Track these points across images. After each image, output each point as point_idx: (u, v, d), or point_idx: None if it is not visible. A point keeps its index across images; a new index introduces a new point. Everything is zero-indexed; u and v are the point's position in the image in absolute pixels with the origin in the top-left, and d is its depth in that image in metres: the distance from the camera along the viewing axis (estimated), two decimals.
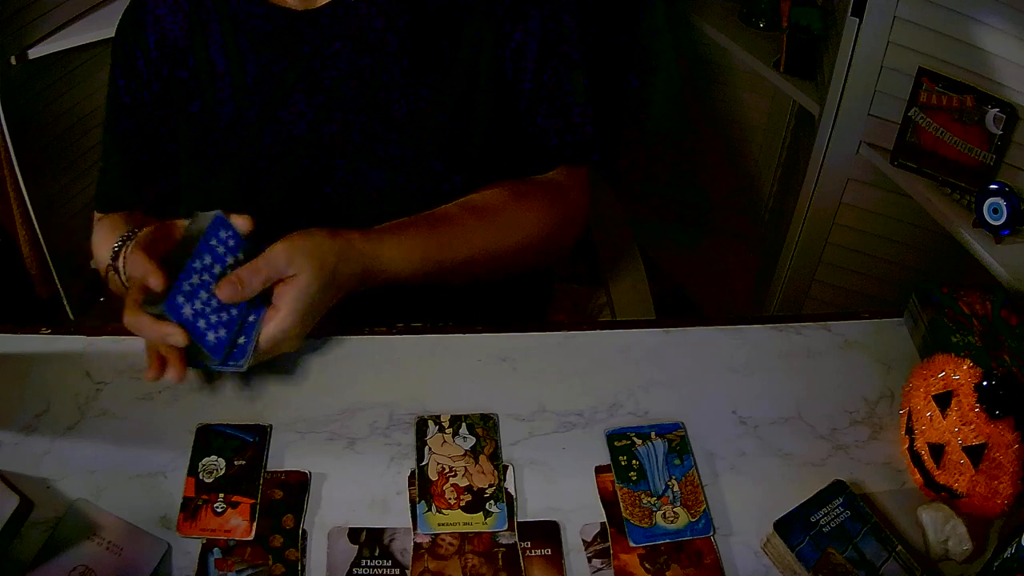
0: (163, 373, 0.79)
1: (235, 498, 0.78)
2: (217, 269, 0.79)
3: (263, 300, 0.82)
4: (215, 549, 0.75)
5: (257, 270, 0.80)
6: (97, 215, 1.06)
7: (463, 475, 0.80)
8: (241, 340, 0.81)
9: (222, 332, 0.79)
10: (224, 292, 0.79)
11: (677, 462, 0.82)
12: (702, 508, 0.79)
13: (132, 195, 1.03)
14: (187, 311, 0.77)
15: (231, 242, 0.81)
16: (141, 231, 0.86)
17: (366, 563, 0.75)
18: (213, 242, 0.80)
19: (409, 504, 0.79)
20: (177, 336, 0.76)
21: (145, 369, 0.80)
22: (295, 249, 0.81)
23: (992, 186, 1.31)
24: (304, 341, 0.86)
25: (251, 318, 0.81)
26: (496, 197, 0.97)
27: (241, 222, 0.82)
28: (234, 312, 0.80)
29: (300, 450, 0.83)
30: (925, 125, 1.42)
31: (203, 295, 0.78)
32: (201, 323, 0.77)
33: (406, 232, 0.90)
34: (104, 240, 0.97)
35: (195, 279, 0.78)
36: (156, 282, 0.76)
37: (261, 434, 0.83)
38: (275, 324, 0.81)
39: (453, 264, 0.92)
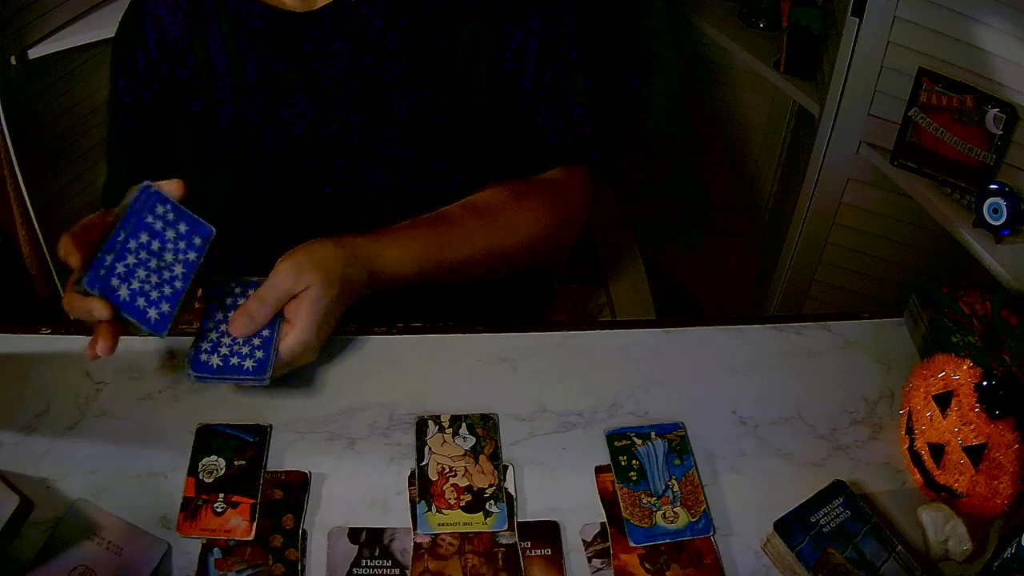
0: (96, 352, 0.77)
1: (235, 498, 0.78)
2: (156, 245, 0.78)
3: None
4: (215, 549, 0.75)
5: (263, 300, 0.81)
6: (89, 217, 1.05)
7: (463, 475, 0.80)
8: (260, 354, 0.81)
9: (165, 307, 0.78)
10: (236, 328, 0.80)
11: (677, 462, 0.82)
12: (702, 508, 0.79)
13: None
14: (123, 292, 0.76)
15: (170, 216, 0.79)
16: (87, 216, 0.84)
17: (366, 563, 0.75)
18: (149, 219, 0.78)
19: (409, 504, 0.79)
20: (100, 310, 0.74)
21: (145, 370, 0.80)
22: (301, 264, 0.82)
23: (992, 186, 1.31)
24: (321, 352, 0.86)
25: (266, 332, 0.82)
26: (496, 197, 0.97)
27: (172, 187, 0.80)
28: (179, 285, 0.79)
29: (300, 450, 0.83)
30: (925, 125, 1.42)
31: (140, 273, 0.77)
32: (140, 301, 0.76)
33: (407, 234, 0.90)
34: None
35: (130, 259, 0.76)
36: (74, 260, 0.75)
37: (261, 434, 0.83)
38: (293, 338, 0.81)
39: (454, 264, 0.93)
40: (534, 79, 0.97)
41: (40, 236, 1.79)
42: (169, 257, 0.79)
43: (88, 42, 1.68)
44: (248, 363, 0.80)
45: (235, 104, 0.96)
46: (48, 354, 0.91)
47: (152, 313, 0.77)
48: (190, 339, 0.83)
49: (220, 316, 0.83)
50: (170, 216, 0.79)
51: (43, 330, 0.93)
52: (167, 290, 0.78)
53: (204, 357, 0.81)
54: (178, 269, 0.79)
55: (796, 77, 1.74)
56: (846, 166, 1.63)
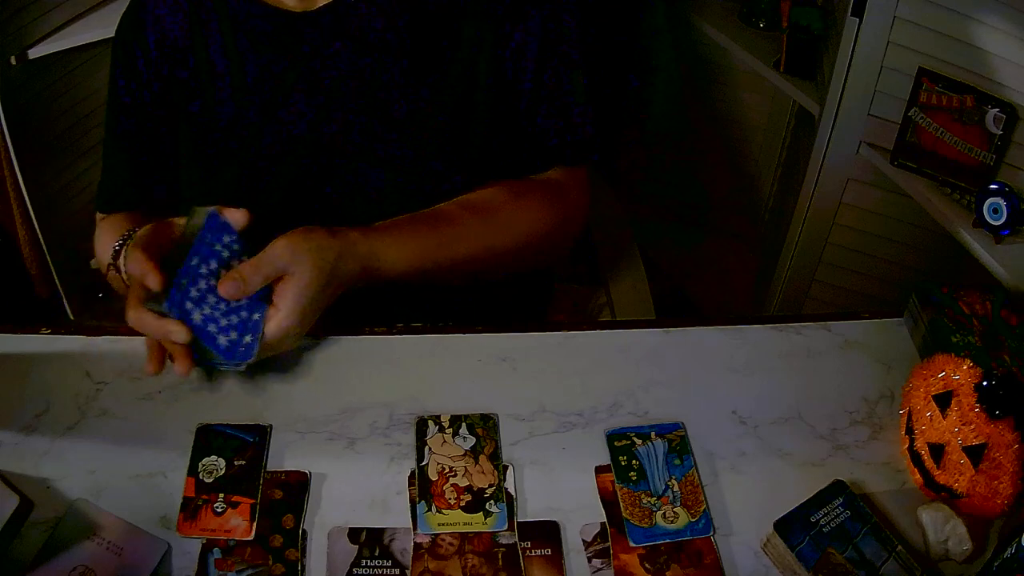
0: (163, 367, 0.80)
1: (235, 498, 0.78)
2: (222, 273, 0.80)
3: (264, 297, 0.82)
4: (215, 549, 0.75)
5: (258, 268, 0.80)
6: (99, 216, 1.06)
7: (463, 475, 0.80)
8: (248, 339, 0.81)
9: (233, 335, 0.80)
10: (226, 288, 0.79)
11: (677, 462, 0.82)
12: (702, 508, 0.79)
13: (133, 195, 1.03)
14: (197, 316, 0.78)
15: (235, 246, 0.81)
16: (140, 230, 0.86)
17: (366, 563, 0.75)
18: (217, 247, 0.80)
19: (409, 504, 0.79)
20: (181, 334, 0.77)
21: (146, 365, 0.80)
22: (295, 247, 0.81)
23: (992, 186, 1.31)
24: (304, 339, 0.86)
25: (255, 316, 0.82)
26: (495, 196, 0.97)
27: (238, 216, 0.82)
28: (244, 314, 0.80)
29: (300, 450, 0.83)
30: (925, 125, 1.42)
31: (211, 299, 0.79)
32: (212, 327, 0.79)
33: (405, 230, 0.90)
34: (105, 240, 0.98)
35: (202, 284, 0.78)
36: (154, 281, 0.77)
37: (261, 434, 0.83)
38: (276, 323, 0.81)
39: (452, 263, 0.93)
40: (534, 79, 0.97)
41: (40, 236, 1.79)
42: None
43: (88, 42, 1.68)
44: (222, 339, 0.79)
45: (235, 104, 0.96)
46: (48, 354, 0.91)
47: (222, 340, 0.79)
48: None
49: (214, 266, 0.80)
50: (235, 247, 0.81)
51: (43, 330, 0.93)
52: (234, 319, 0.80)
53: (190, 306, 0.78)
54: (243, 300, 0.80)
55: (796, 77, 1.74)
56: (846, 166, 1.63)
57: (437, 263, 0.91)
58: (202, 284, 0.78)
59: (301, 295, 0.81)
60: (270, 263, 0.80)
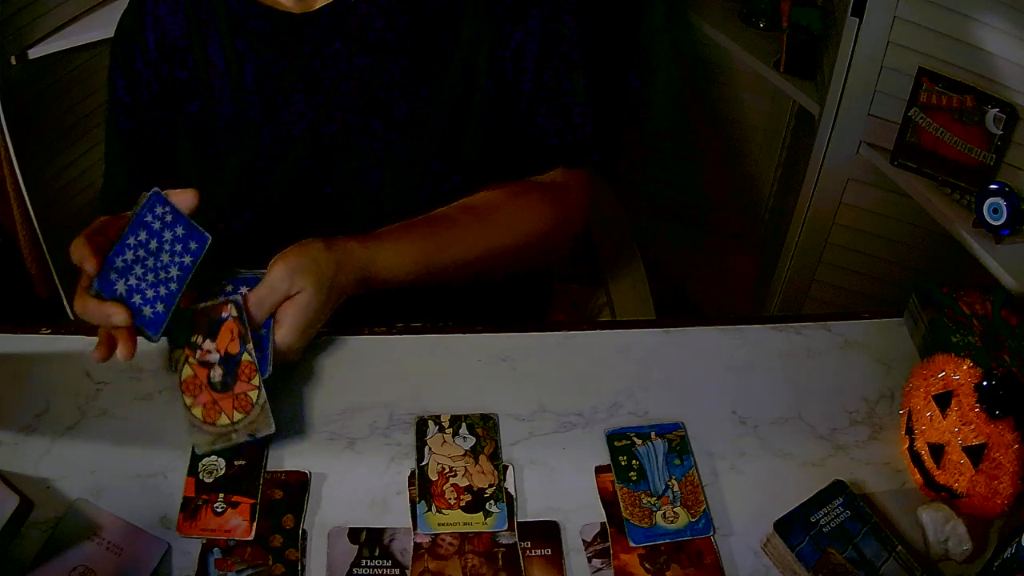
0: (111, 352, 0.77)
1: (235, 498, 0.78)
2: (153, 244, 0.78)
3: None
4: (215, 549, 0.75)
5: (262, 302, 0.82)
6: (101, 219, 1.06)
7: (463, 475, 0.80)
8: (161, 308, 0.80)
9: (160, 307, 0.78)
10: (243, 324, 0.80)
11: (677, 462, 0.82)
12: (702, 508, 0.79)
13: (135, 195, 1.03)
14: (120, 287, 0.76)
15: (168, 217, 0.79)
16: (95, 221, 0.84)
17: (366, 563, 0.75)
18: (148, 218, 0.78)
19: (409, 504, 0.79)
20: (119, 315, 0.75)
21: (145, 370, 0.80)
22: (293, 268, 0.82)
23: (992, 186, 1.31)
24: (302, 351, 0.87)
25: (262, 330, 0.82)
26: (495, 198, 0.97)
27: (184, 197, 0.81)
28: (173, 287, 0.79)
29: (300, 450, 0.83)
30: (925, 125, 1.42)
31: (138, 270, 0.77)
32: (136, 298, 0.77)
33: (403, 238, 0.91)
34: None
35: (129, 255, 0.77)
36: (90, 265, 0.75)
37: None
38: (279, 339, 0.82)
39: (451, 266, 0.93)
40: (534, 79, 0.97)
41: (40, 236, 1.79)
42: (165, 258, 0.79)
43: (88, 42, 1.68)
44: (147, 310, 0.77)
45: (235, 104, 0.96)
46: (48, 354, 0.91)
47: (147, 311, 0.77)
48: None
49: (143, 237, 0.77)
50: (168, 218, 0.79)
51: (43, 330, 0.93)
52: (162, 290, 0.78)
53: (113, 276, 0.75)
54: (173, 271, 0.79)
55: (796, 77, 1.74)
56: (846, 166, 1.63)
57: (436, 267, 0.91)
58: (128, 255, 0.77)
59: (301, 313, 0.83)
60: (271, 292, 0.82)
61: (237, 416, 0.77)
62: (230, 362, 0.80)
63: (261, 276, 0.83)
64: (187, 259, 0.80)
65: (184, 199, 0.81)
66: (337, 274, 0.84)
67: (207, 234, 0.81)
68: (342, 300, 0.86)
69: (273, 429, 0.78)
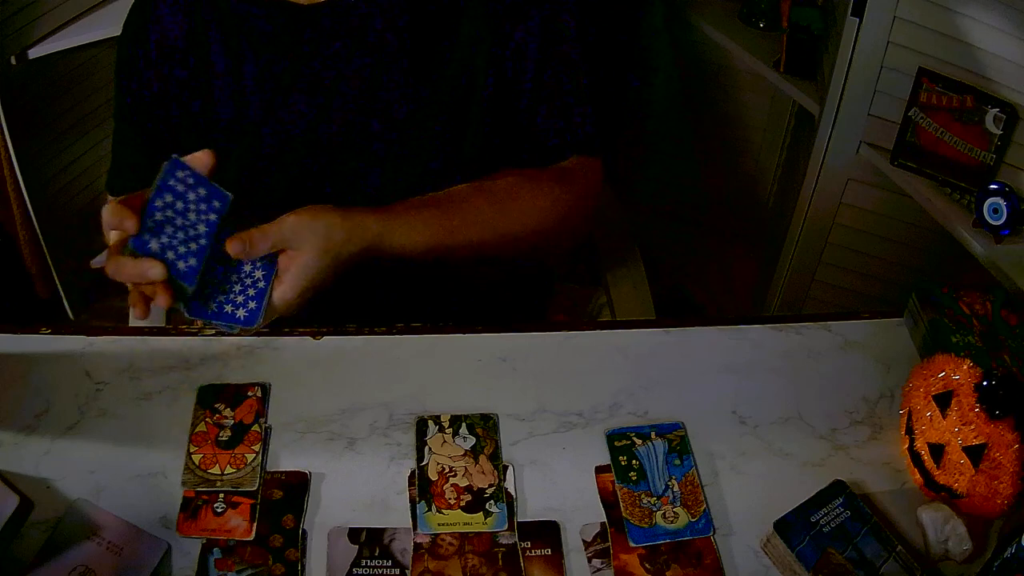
0: (149, 309, 0.80)
1: (235, 498, 0.78)
2: (180, 205, 0.80)
3: (271, 260, 0.83)
4: (215, 549, 0.75)
5: (266, 235, 0.81)
6: (109, 198, 1.06)
7: (463, 475, 0.80)
8: (252, 305, 0.82)
9: (192, 261, 0.80)
10: (233, 247, 0.80)
11: (677, 462, 0.82)
12: (702, 508, 0.79)
13: (140, 186, 1.03)
14: (154, 245, 0.78)
15: (190, 180, 0.81)
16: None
17: (366, 563, 0.75)
18: (171, 182, 0.80)
19: (409, 504, 0.79)
20: (155, 269, 0.77)
21: (145, 369, 0.80)
22: (304, 226, 0.82)
23: (992, 186, 1.31)
24: (299, 309, 0.86)
25: (261, 284, 0.83)
26: (509, 180, 0.97)
27: (201, 159, 0.82)
28: (203, 242, 0.81)
29: (300, 450, 0.83)
30: (925, 125, 1.42)
31: (168, 229, 0.79)
32: (170, 254, 0.79)
33: (417, 215, 0.90)
34: None
35: (158, 215, 0.79)
36: (130, 223, 0.77)
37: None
38: (277, 294, 0.83)
39: (462, 246, 0.92)
40: (534, 79, 0.97)
41: (40, 236, 1.79)
42: (192, 216, 0.81)
43: (88, 42, 1.68)
44: (181, 264, 0.80)
45: (235, 104, 0.96)
46: (48, 354, 0.91)
47: (181, 265, 0.79)
48: (194, 338, 0.83)
49: (169, 199, 0.80)
50: (190, 180, 0.81)
51: (43, 330, 0.93)
52: (192, 246, 0.80)
53: (147, 236, 0.78)
54: (201, 228, 0.81)
55: (796, 77, 1.74)
56: (846, 166, 1.63)
57: (447, 247, 0.91)
58: (158, 215, 0.79)
59: (302, 273, 0.82)
60: (277, 234, 0.82)
61: (229, 471, 0.81)
62: (241, 429, 0.84)
63: (217, 189, 0.83)
64: (212, 216, 0.82)
65: (201, 161, 0.82)
66: (345, 243, 0.84)
67: (228, 193, 0.83)
68: (345, 268, 0.86)
69: (255, 488, 0.80)
